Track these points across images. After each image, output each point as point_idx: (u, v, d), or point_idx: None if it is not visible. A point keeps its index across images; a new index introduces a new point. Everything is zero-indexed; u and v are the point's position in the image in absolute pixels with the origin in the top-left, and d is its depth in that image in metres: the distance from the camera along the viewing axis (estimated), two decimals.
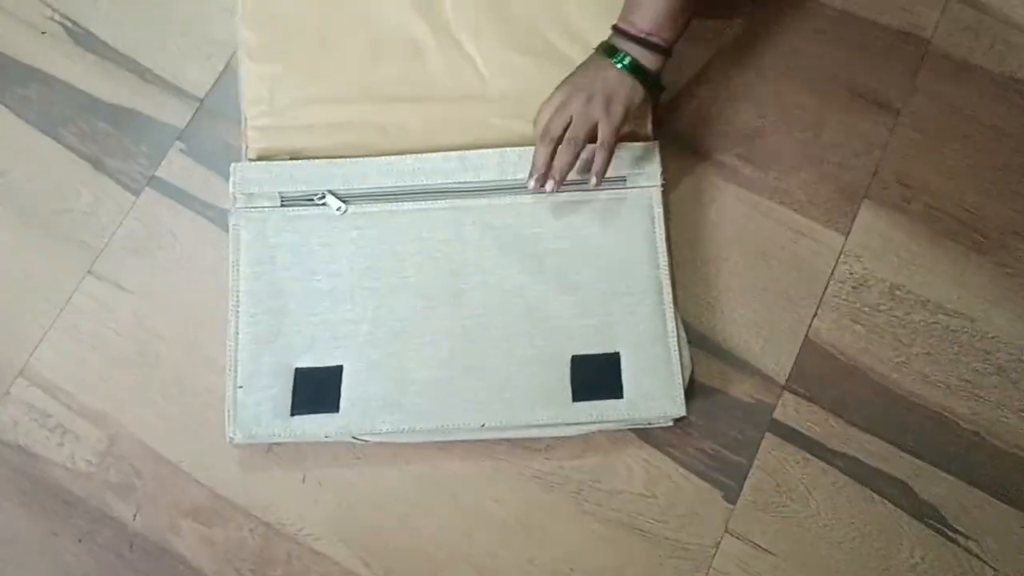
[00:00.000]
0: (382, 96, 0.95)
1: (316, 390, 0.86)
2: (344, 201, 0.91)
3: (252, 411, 0.86)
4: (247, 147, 0.94)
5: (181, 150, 0.98)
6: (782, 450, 0.89)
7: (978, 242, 0.95)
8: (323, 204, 0.90)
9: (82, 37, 1.03)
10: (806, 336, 0.92)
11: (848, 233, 0.95)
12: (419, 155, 0.92)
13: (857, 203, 0.96)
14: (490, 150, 0.92)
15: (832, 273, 0.94)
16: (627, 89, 0.85)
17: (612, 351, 0.87)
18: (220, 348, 0.90)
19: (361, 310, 0.88)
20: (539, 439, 0.89)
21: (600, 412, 0.86)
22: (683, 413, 0.86)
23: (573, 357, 0.87)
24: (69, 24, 1.04)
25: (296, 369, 0.87)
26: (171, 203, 0.97)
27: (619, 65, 0.85)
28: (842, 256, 0.95)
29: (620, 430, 0.89)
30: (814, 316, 0.93)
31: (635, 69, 0.85)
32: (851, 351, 0.92)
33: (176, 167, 0.98)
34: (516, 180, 0.91)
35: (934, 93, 1.00)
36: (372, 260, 0.90)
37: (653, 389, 0.86)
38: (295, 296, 0.89)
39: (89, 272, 0.94)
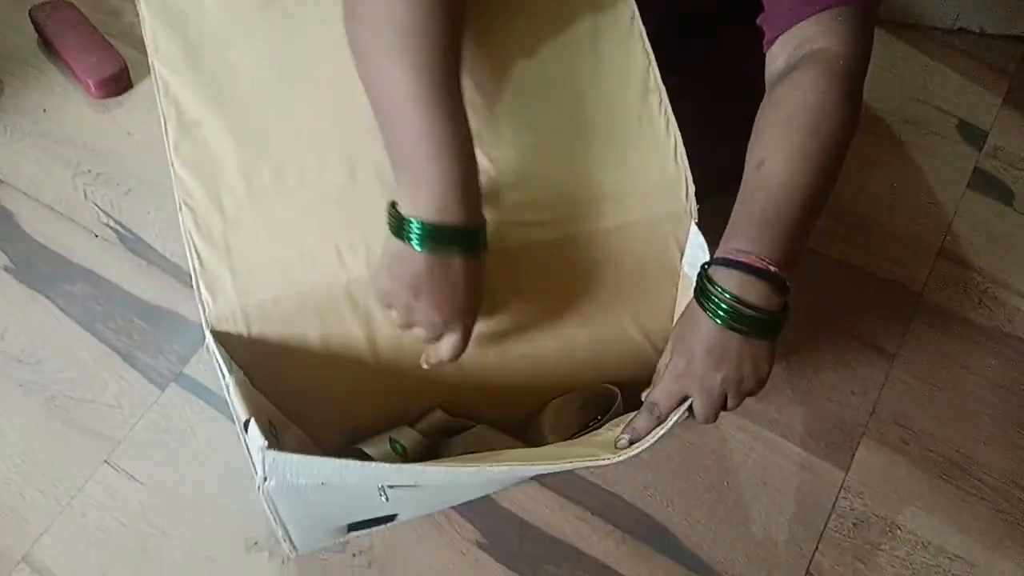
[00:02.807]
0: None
1: None
2: None
3: None
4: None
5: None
6: None
7: (976, 487, 0.97)
8: None
9: (132, 242, 1.11)
10: (807, 571, 0.92)
11: (848, 469, 0.97)
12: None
13: (856, 440, 0.99)
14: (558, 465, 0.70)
15: (833, 508, 0.95)
16: (753, 365, 0.71)
17: None
18: (221, 546, 0.92)
19: None
20: None
21: None
22: None
23: None
24: (121, 230, 1.12)
25: None
26: (194, 399, 1.00)
27: (736, 330, 0.69)
28: (842, 492, 0.96)
29: None
30: (815, 551, 0.93)
31: (758, 327, 0.70)
32: None
33: (203, 366, 1.03)
34: None
35: (926, 341, 1.06)
36: None
37: None
38: None
39: (105, 462, 0.96)
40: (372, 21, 0.65)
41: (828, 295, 1.09)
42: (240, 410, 0.65)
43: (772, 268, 0.68)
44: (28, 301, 1.06)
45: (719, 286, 0.69)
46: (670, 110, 0.78)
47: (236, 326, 0.70)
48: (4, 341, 1.03)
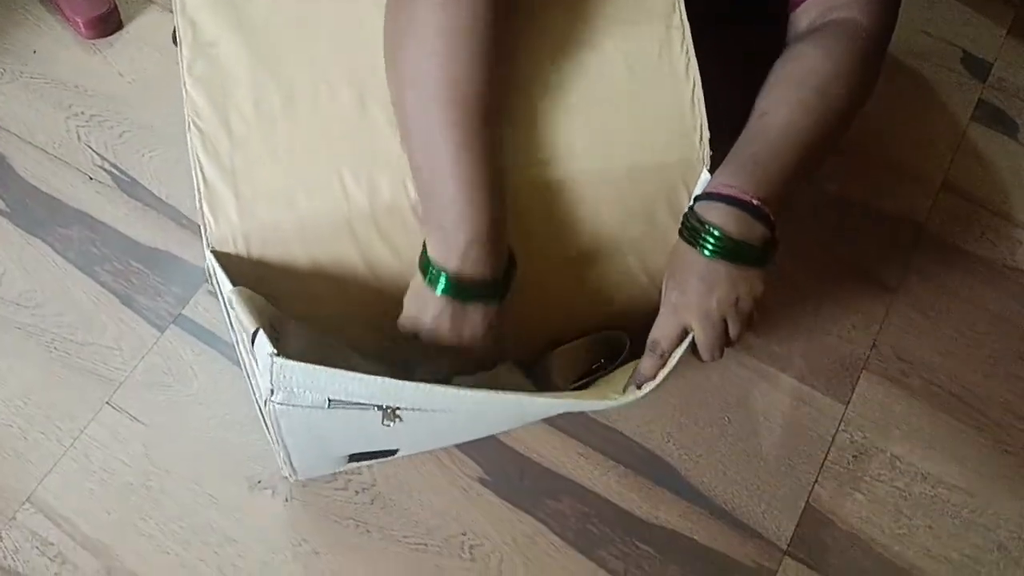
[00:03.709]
0: None
1: None
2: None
3: None
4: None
5: (209, 291, 1.03)
6: None
7: (976, 419, 0.97)
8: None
9: (127, 184, 1.10)
10: (807, 502, 0.93)
11: (848, 402, 0.98)
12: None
13: (856, 374, 0.99)
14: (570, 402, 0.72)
15: (832, 441, 0.96)
16: (748, 286, 0.70)
17: None
18: (225, 485, 0.92)
19: None
20: None
21: None
22: None
23: None
24: (116, 172, 1.11)
25: None
26: (194, 341, 1.00)
27: (724, 259, 0.69)
28: (842, 425, 0.97)
29: None
30: (815, 483, 0.94)
31: (743, 257, 0.69)
32: (852, 520, 0.92)
33: (202, 307, 1.02)
34: None
35: (929, 275, 1.06)
36: None
37: None
38: None
39: (107, 403, 0.97)
40: (415, 72, 0.65)
41: (830, 229, 1.08)
42: (247, 322, 0.65)
43: (755, 201, 0.68)
44: (24, 245, 1.06)
45: (702, 219, 0.69)
46: (692, 50, 0.75)
47: (236, 248, 0.71)
48: (2, 285, 1.03)
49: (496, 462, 0.94)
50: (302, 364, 0.64)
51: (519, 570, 0.89)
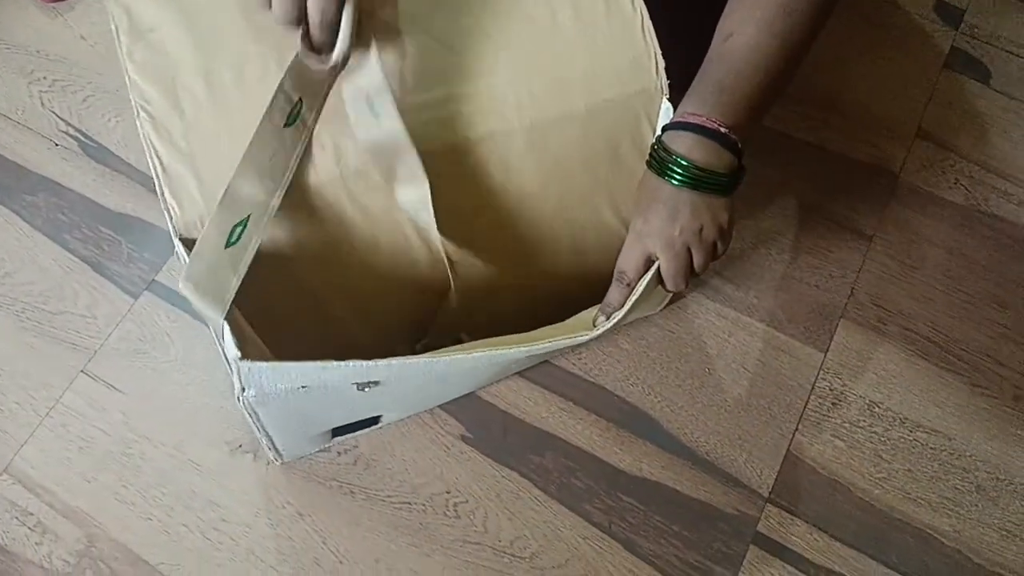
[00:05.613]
0: None
1: None
2: None
3: None
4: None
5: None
6: (767, 564, 0.89)
7: (952, 363, 0.98)
8: None
9: (93, 150, 1.08)
10: (788, 450, 0.93)
11: (826, 351, 0.98)
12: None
13: (834, 322, 1.00)
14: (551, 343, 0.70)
15: (812, 389, 0.96)
16: (711, 214, 0.71)
17: None
18: (205, 450, 0.92)
19: None
20: None
21: None
22: None
23: None
24: (82, 138, 1.09)
25: None
26: (169, 307, 0.99)
27: (691, 188, 0.69)
28: (821, 373, 0.97)
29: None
30: (795, 430, 0.94)
31: (710, 185, 0.70)
32: (833, 466, 0.93)
33: (176, 273, 1.01)
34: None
35: (904, 222, 1.06)
36: None
37: None
38: None
39: (82, 372, 0.95)
40: None
41: (805, 180, 1.08)
42: (214, 317, 0.63)
43: (722, 129, 0.68)
44: None
45: (669, 148, 0.69)
46: None
47: None
48: None
49: (478, 419, 0.94)
50: (270, 363, 0.64)
51: (504, 526, 0.89)
